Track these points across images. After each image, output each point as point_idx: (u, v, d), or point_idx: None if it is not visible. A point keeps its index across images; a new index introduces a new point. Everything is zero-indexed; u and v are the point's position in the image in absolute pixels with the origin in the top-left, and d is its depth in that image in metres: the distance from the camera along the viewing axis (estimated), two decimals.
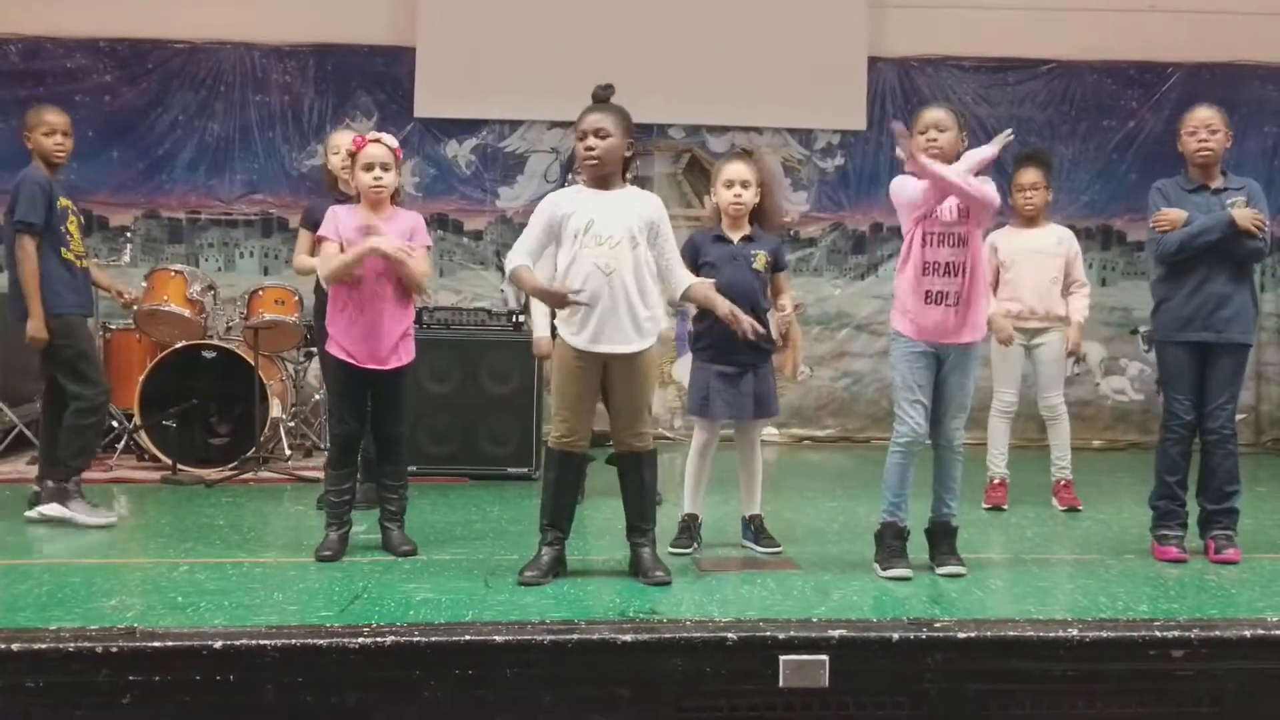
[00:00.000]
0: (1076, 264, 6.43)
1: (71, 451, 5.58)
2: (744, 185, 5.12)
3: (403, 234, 4.95)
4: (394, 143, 5.00)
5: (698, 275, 4.85)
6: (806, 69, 9.03)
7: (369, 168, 4.88)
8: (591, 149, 4.48)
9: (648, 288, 4.55)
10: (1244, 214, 4.98)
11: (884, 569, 4.72)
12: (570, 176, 6.62)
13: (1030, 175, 6.43)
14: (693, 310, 5.29)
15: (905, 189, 4.73)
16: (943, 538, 4.83)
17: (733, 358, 5.06)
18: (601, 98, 4.62)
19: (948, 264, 4.68)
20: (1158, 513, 5.21)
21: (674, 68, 8.92)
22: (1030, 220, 6.41)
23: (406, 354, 5.02)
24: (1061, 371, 6.49)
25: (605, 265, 4.46)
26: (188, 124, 8.98)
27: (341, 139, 5.50)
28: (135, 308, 6.63)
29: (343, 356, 4.91)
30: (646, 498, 4.69)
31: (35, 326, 5.48)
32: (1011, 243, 6.42)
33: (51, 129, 5.61)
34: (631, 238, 4.49)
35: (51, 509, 5.53)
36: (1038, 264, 6.37)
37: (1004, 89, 9.35)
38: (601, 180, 4.57)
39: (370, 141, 4.94)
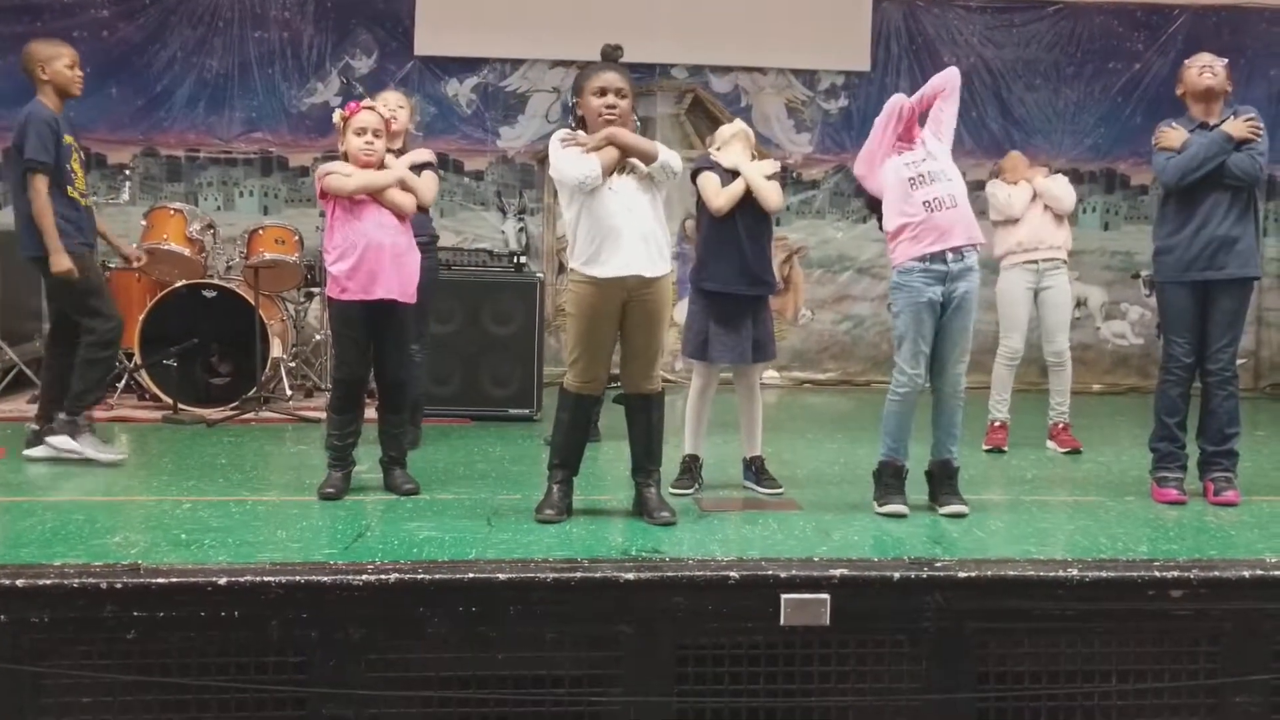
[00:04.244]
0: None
1: (86, 384, 5.57)
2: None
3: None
4: (398, 103, 5.18)
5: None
6: (811, 8, 8.95)
7: (360, 133, 4.93)
8: (613, 107, 4.49)
9: (662, 221, 4.59)
10: (1235, 124, 4.99)
11: (880, 505, 4.76)
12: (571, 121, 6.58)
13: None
14: (692, 251, 5.34)
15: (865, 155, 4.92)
16: (945, 478, 4.86)
17: (732, 298, 5.09)
18: (613, 58, 4.63)
19: (931, 172, 4.76)
20: (1157, 455, 5.22)
21: (677, 6, 8.83)
22: None
23: (409, 293, 5.02)
24: (1069, 316, 6.56)
25: (625, 205, 4.48)
26: (186, 61, 8.89)
27: (390, 97, 5.50)
28: (139, 263, 6.58)
29: (342, 296, 4.89)
30: (654, 439, 4.71)
31: (57, 261, 5.42)
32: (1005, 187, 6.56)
33: (73, 61, 5.53)
34: (639, 181, 4.52)
35: (62, 442, 5.52)
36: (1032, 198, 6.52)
37: (1010, 30, 9.28)
38: None
39: (364, 108, 4.99)
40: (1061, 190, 6.47)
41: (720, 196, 5.08)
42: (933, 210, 4.70)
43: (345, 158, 4.98)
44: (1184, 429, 5.19)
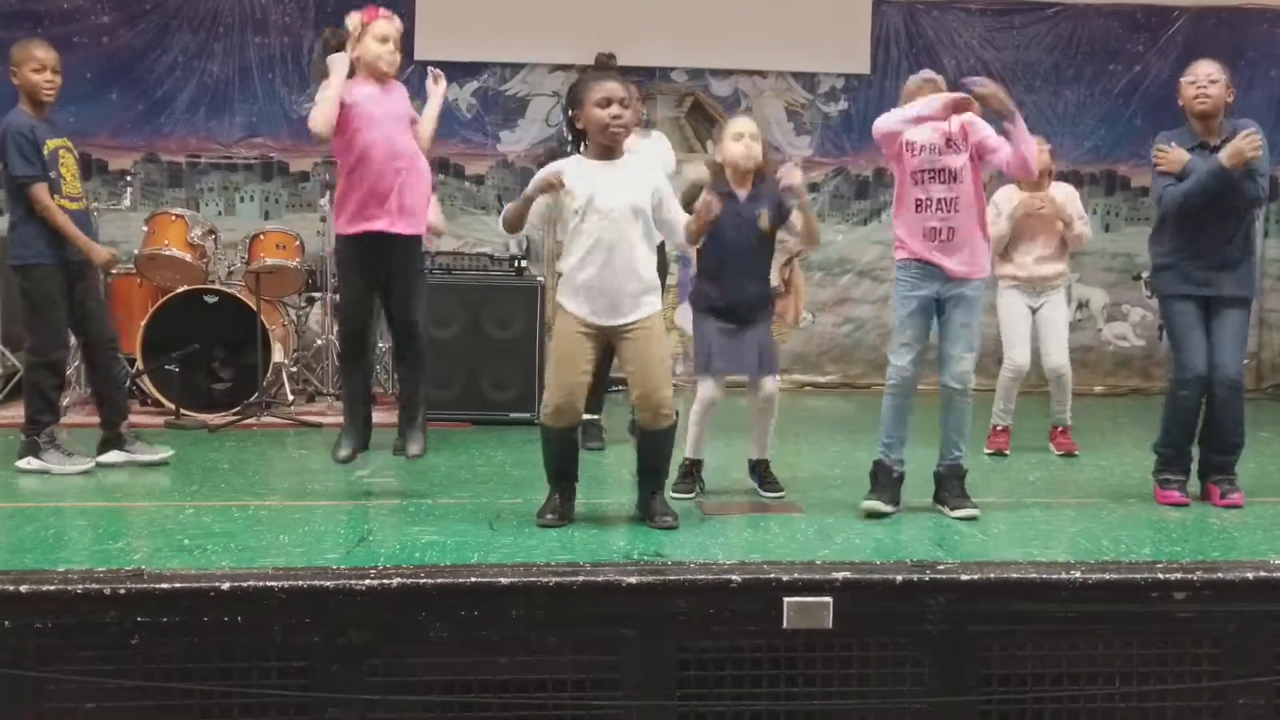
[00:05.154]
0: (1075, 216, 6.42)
1: (34, 407, 5.46)
2: (753, 137, 5.12)
3: (404, 107, 5.08)
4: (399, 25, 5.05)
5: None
6: (810, 11, 8.95)
7: (383, 40, 4.86)
8: (619, 117, 4.42)
9: (647, 258, 4.50)
10: (1232, 151, 4.85)
11: (862, 501, 4.78)
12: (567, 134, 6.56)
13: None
14: (694, 259, 5.30)
15: (887, 119, 4.78)
16: (954, 481, 4.86)
17: (732, 314, 5.08)
18: (610, 65, 4.56)
19: (940, 199, 4.71)
20: (1161, 458, 5.19)
21: (676, 9, 8.83)
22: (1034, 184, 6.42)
23: (415, 224, 4.97)
24: (1066, 332, 6.49)
25: (608, 239, 4.41)
26: (186, 66, 8.89)
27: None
28: (113, 274, 6.56)
29: (347, 229, 4.85)
30: (661, 462, 4.68)
31: (98, 256, 5.41)
32: (1013, 201, 6.44)
33: (40, 65, 5.33)
34: (634, 209, 4.43)
35: (27, 463, 5.44)
36: (1039, 220, 6.37)
37: (1010, 32, 9.27)
38: (611, 150, 4.50)
39: (383, 17, 4.90)
40: (1085, 229, 6.41)
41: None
42: (929, 240, 4.72)
43: (351, 70, 4.86)
44: (1192, 438, 5.16)
